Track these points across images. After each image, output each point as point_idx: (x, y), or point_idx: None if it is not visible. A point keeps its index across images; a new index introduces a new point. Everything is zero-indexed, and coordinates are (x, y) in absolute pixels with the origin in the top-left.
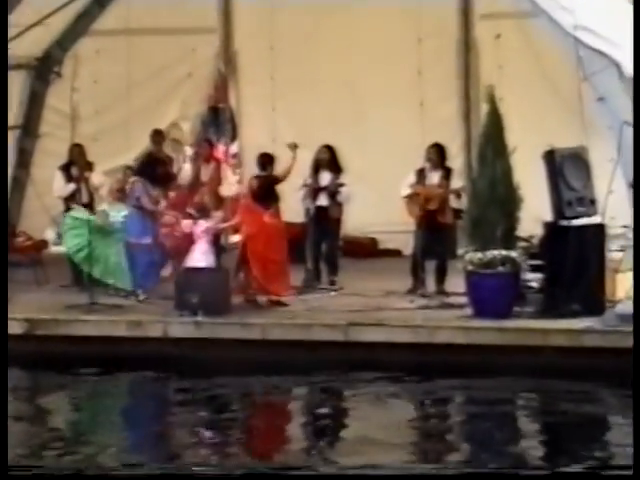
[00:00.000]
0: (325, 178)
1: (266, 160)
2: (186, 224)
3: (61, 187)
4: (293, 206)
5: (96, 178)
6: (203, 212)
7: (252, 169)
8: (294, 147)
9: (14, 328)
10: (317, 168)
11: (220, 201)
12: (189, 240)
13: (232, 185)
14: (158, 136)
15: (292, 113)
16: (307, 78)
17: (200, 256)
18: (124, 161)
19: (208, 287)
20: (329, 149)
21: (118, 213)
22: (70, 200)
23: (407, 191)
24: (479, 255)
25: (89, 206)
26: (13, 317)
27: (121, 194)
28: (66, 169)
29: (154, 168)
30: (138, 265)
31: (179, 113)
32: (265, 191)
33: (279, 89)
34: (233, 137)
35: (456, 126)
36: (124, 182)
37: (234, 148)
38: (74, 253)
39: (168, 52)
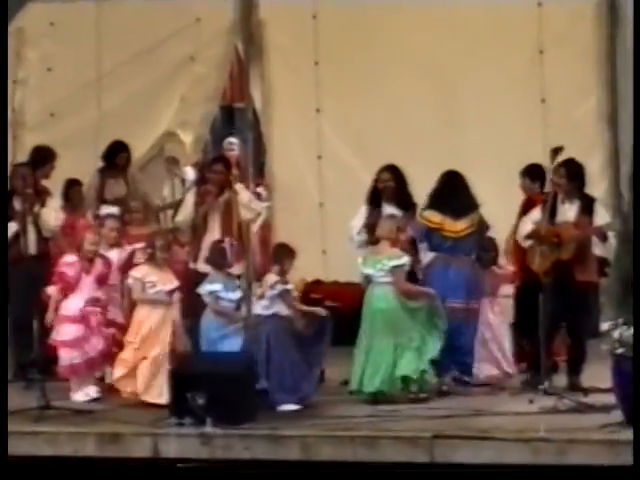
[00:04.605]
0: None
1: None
2: None
3: None
4: (339, 257)
5: (51, 214)
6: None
7: (284, 199)
8: None
9: None
10: (375, 199)
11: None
12: None
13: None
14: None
15: (346, 117)
16: (370, 63)
17: None
18: None
19: (223, 381)
20: (393, 171)
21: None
22: (11, 248)
23: (527, 229)
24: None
25: (40, 258)
26: None
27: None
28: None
29: None
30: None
31: (176, 117)
32: None
33: (327, 80)
34: (258, 151)
35: (596, 133)
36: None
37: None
38: None
39: (158, 24)
